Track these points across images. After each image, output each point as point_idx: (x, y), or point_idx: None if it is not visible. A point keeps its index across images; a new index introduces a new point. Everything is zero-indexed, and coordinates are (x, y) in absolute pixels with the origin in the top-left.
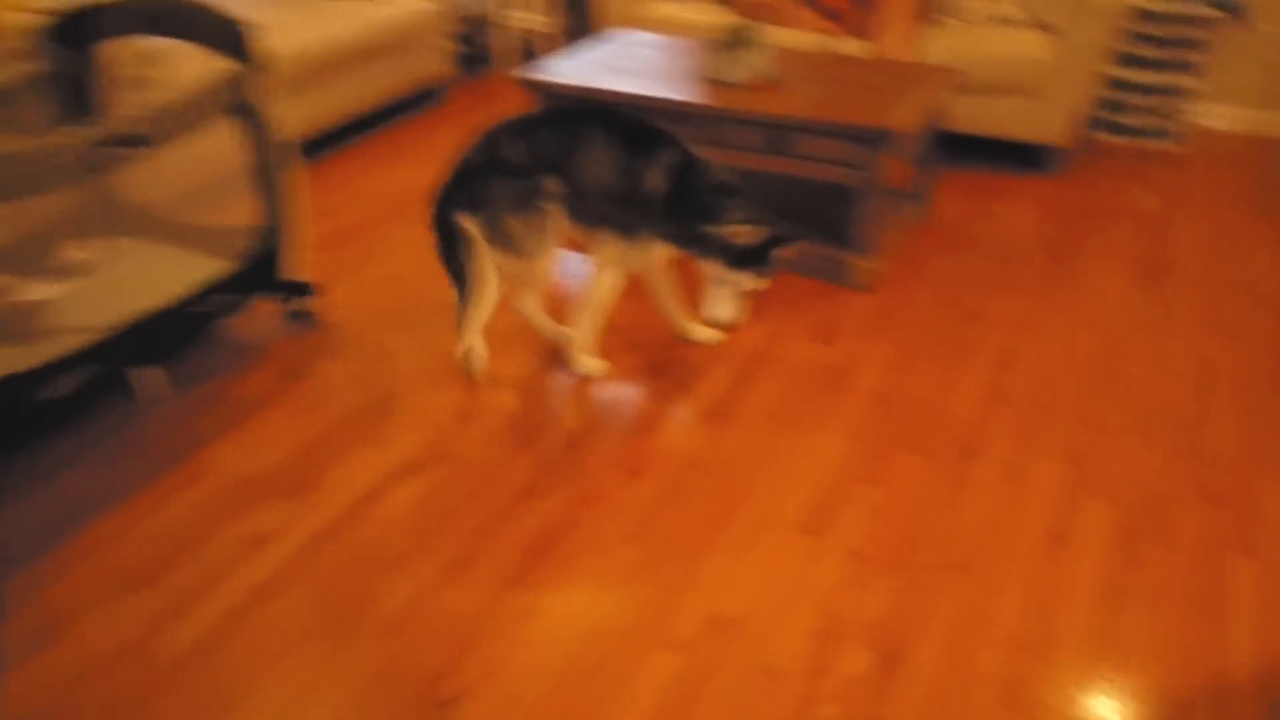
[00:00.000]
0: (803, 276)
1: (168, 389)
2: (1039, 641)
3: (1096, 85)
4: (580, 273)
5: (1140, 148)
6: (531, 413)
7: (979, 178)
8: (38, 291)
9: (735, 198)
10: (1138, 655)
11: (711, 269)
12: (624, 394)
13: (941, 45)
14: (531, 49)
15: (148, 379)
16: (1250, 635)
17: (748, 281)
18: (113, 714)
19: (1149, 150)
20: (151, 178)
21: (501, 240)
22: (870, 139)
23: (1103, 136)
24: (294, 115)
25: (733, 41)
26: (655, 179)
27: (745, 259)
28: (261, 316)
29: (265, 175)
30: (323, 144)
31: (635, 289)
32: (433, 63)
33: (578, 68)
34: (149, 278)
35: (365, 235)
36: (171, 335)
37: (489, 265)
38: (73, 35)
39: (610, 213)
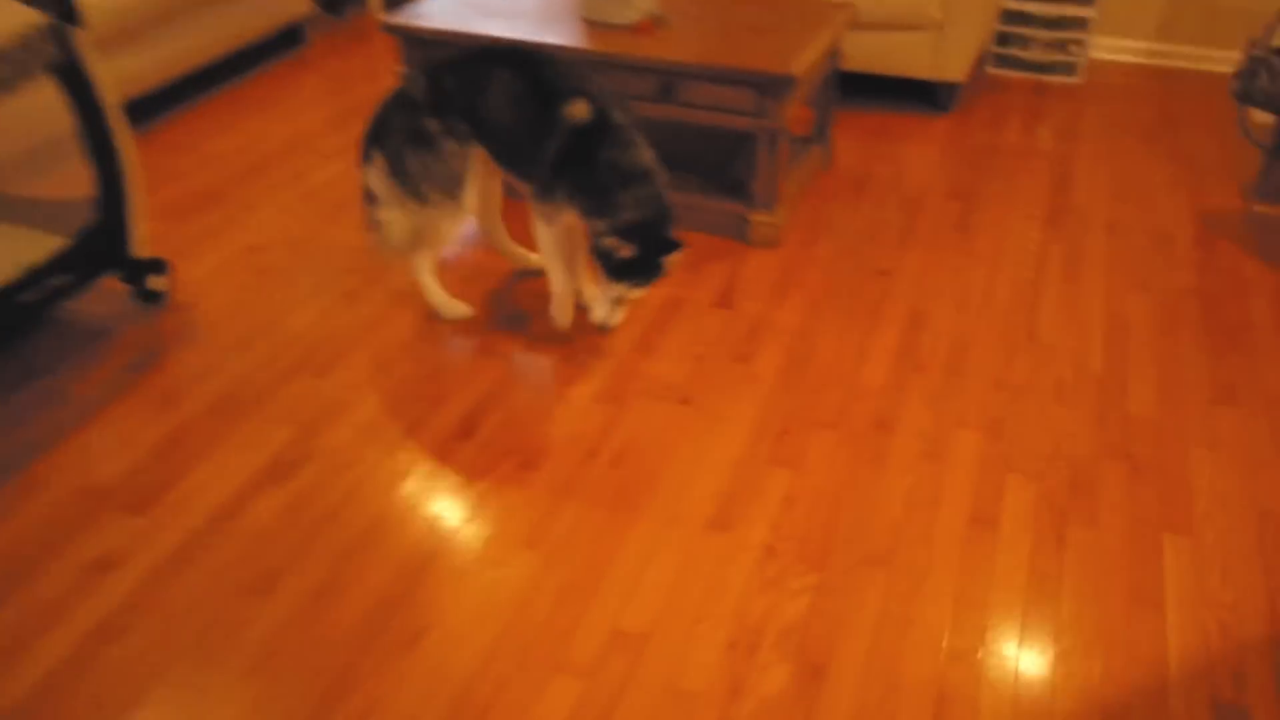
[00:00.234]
0: (702, 233)
1: None
2: (970, 644)
3: (994, 19)
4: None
5: (1038, 82)
6: (411, 399)
7: (876, 118)
8: None
9: (639, 187)
10: (1076, 652)
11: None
12: (513, 373)
13: None
14: None
15: None
16: (1190, 620)
17: (626, 291)
18: None
19: (1047, 85)
20: None
21: (402, 180)
22: (773, 86)
23: (999, 71)
24: (126, 68)
25: None
26: (553, 138)
27: (623, 271)
28: (104, 299)
29: (95, 140)
30: (166, 100)
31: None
32: (285, 0)
33: (445, 8)
34: None
35: (221, 201)
36: None
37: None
38: None
39: (522, 166)
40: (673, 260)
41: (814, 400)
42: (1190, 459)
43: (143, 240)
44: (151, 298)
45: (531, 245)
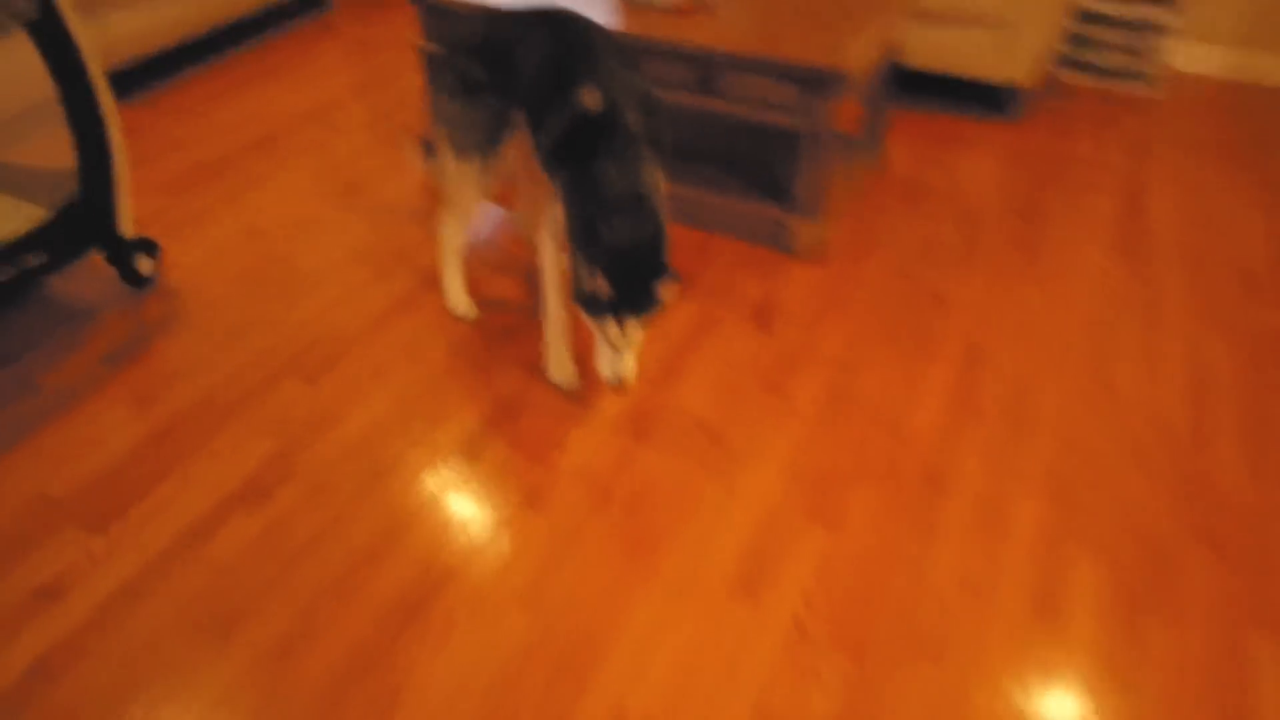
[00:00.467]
0: (739, 240)
1: None
2: None
3: (1066, 18)
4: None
5: (1109, 90)
6: (408, 415)
7: (934, 121)
8: None
9: (626, 215)
10: None
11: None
12: (526, 390)
13: None
14: None
15: None
16: None
17: (622, 333)
18: None
19: (1119, 93)
20: None
21: (444, 123)
22: (819, 82)
23: (1068, 76)
24: (131, 25)
25: None
26: (560, 117)
27: (608, 306)
28: (88, 278)
29: (76, 106)
30: (177, 61)
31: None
32: None
33: None
34: None
35: (225, 175)
36: None
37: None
38: None
39: (534, 134)
40: (666, 289)
41: (857, 445)
42: None
43: (130, 217)
44: (138, 281)
45: None
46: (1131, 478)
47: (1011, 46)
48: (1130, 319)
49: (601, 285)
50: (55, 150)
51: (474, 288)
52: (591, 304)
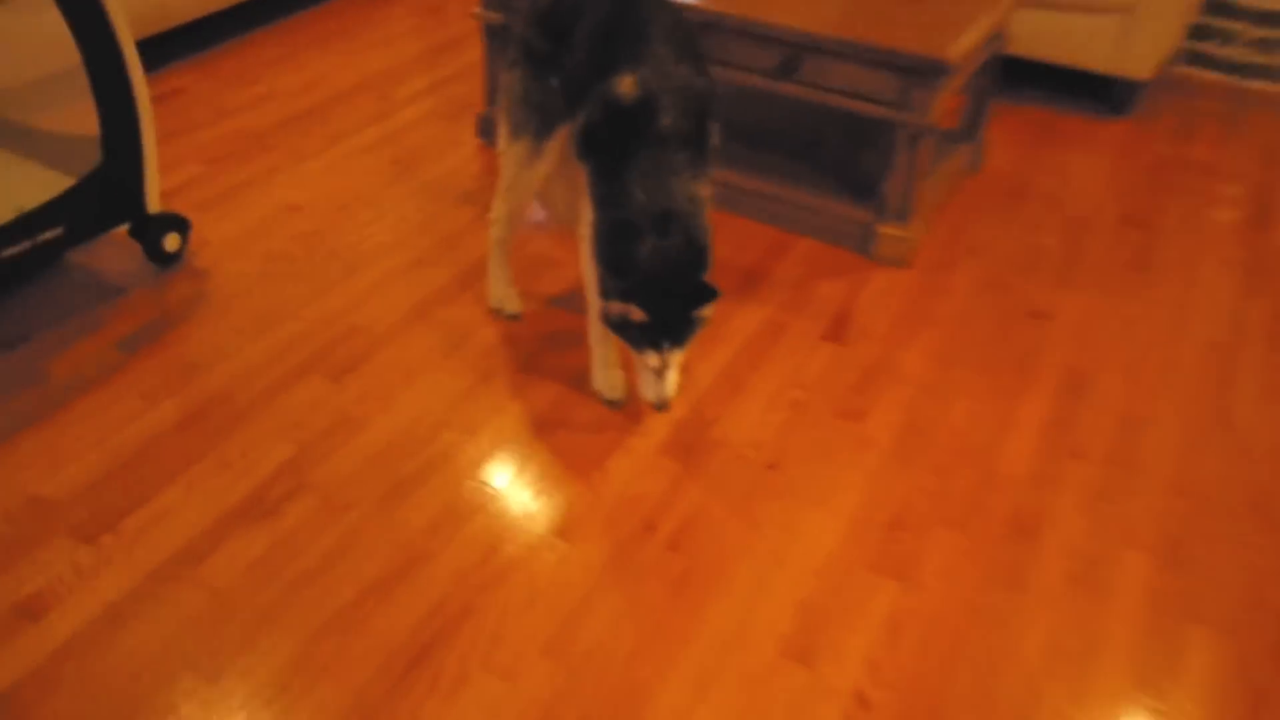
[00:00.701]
0: (815, 239)
1: None
2: None
3: (1194, 8)
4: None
5: (1238, 88)
6: (436, 424)
7: (1038, 115)
8: None
9: (655, 237)
10: None
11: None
12: (566, 403)
13: None
14: None
15: None
16: None
17: (661, 357)
18: None
19: (1248, 91)
20: None
21: (502, 97)
22: (922, 72)
23: (1191, 70)
24: None
25: None
26: (593, 106)
27: (642, 335)
28: (112, 252)
29: (102, 69)
30: (231, 23)
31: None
32: None
33: None
34: None
35: (269, 146)
36: None
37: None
38: None
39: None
40: (707, 312)
41: (938, 483)
42: None
43: (157, 191)
44: (164, 258)
45: None
46: (1254, 535)
47: (1132, 35)
48: (1255, 346)
49: (632, 310)
50: (88, 116)
51: (524, 283)
52: (621, 329)
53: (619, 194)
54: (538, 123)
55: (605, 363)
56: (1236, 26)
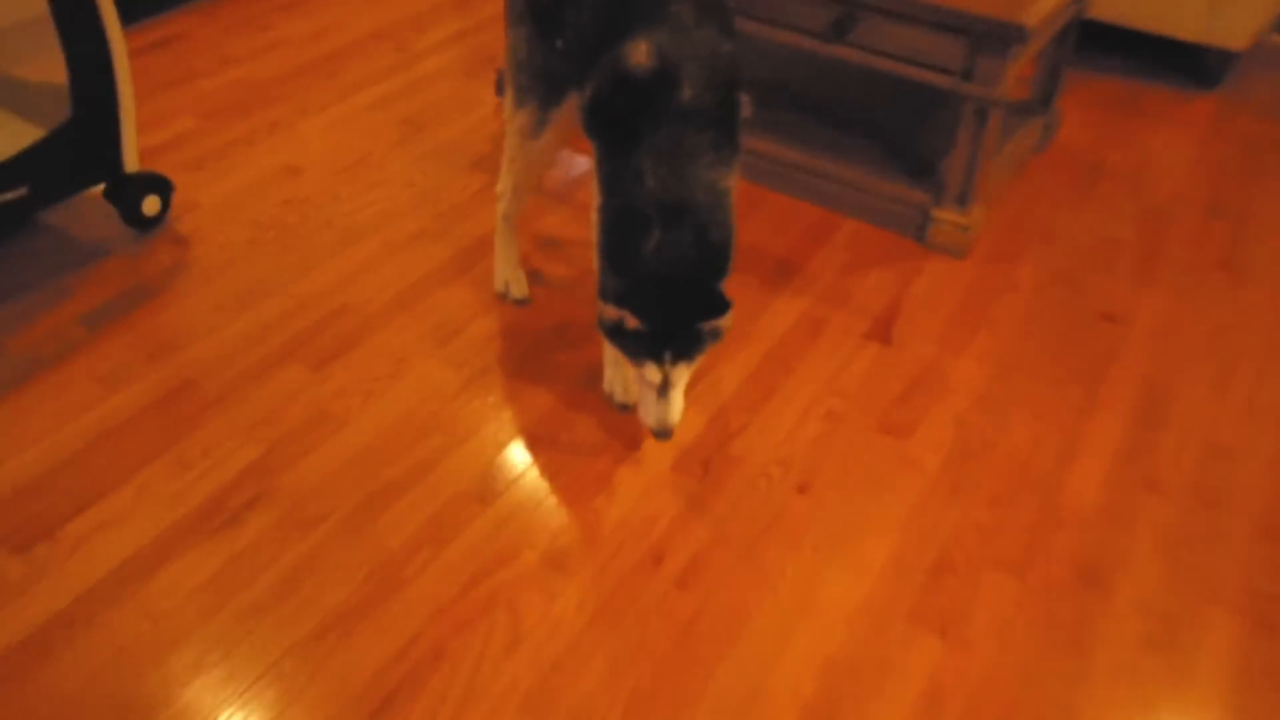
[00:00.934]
0: (863, 222)
1: None
2: None
3: None
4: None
5: None
6: (421, 427)
7: (1117, 86)
8: None
9: (665, 233)
10: None
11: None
12: (569, 412)
13: None
14: None
15: None
16: None
17: (661, 373)
18: None
19: None
20: None
21: (508, 56)
22: (993, 38)
23: None
24: None
25: None
26: (599, 77)
27: (641, 346)
28: (86, 213)
29: (68, 9)
30: None
31: None
32: None
33: None
34: None
35: (271, 99)
36: None
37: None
38: None
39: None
40: (721, 324)
41: (991, 518)
42: None
43: (135, 150)
44: (143, 223)
45: None
46: None
47: (1228, 2)
48: None
49: (626, 315)
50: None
51: (535, 264)
52: (615, 335)
53: (627, 177)
54: (543, 90)
55: (619, 361)
56: None
